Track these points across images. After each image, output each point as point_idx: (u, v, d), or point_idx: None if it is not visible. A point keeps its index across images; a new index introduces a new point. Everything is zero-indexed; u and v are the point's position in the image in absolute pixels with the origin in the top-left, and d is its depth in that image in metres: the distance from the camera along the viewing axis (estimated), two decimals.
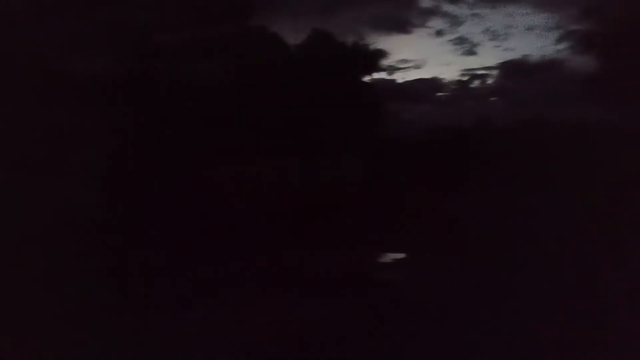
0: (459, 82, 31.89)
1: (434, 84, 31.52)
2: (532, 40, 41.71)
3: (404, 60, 33.72)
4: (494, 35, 34.69)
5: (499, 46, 36.19)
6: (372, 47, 25.28)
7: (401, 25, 34.16)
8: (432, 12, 36.43)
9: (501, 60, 35.43)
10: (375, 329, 7.76)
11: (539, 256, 11.43)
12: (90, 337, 7.16)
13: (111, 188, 13.93)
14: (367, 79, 25.19)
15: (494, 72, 33.37)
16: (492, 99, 30.52)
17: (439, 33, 33.72)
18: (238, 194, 16.30)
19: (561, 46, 23.52)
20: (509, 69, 30.30)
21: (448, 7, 40.95)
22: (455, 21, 36.80)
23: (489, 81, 31.00)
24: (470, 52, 33.36)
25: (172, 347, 7.06)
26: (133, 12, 17.80)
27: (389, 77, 30.44)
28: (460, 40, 34.57)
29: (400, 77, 37.52)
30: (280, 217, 15.33)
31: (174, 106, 17.47)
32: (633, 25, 21.70)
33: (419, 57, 43.55)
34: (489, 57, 42.11)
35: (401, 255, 13.19)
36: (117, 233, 12.26)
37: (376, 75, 27.02)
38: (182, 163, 16.49)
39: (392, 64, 35.89)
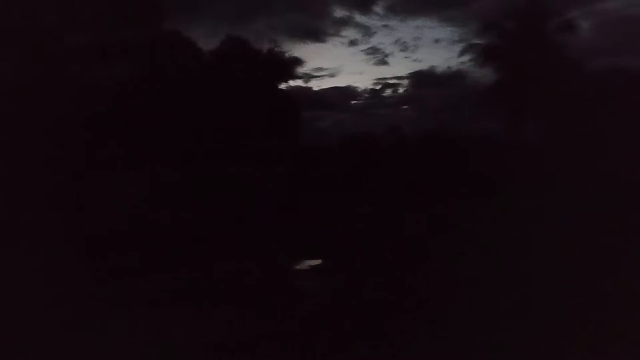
0: (372, 90, 33.16)
1: (348, 92, 32.58)
2: (438, 52, 44.37)
3: (319, 69, 34.54)
4: (404, 47, 36.43)
5: (408, 57, 38.16)
6: (287, 54, 25.45)
7: (316, 34, 34.89)
8: (345, 22, 37.53)
9: (411, 71, 37.34)
10: (294, 338, 7.77)
11: (454, 259, 12.00)
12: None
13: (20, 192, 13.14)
14: (282, 86, 25.35)
15: (405, 82, 35.04)
16: (404, 107, 32.01)
17: (352, 43, 34.85)
18: (150, 202, 15.79)
19: (464, 58, 25.10)
20: (419, 79, 31.98)
21: (360, 18, 42.38)
22: (368, 32, 38.26)
23: (400, 90, 32.50)
24: (382, 62, 34.75)
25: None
26: (45, 14, 16.98)
27: (304, 85, 30.95)
28: (373, 50, 35.98)
29: (315, 85, 38.22)
30: (193, 225, 15.01)
31: (85, 109, 16.67)
32: (529, 39, 23.59)
33: (334, 65, 44.69)
34: (399, 67, 44.22)
35: (317, 262, 13.31)
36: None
37: (292, 83, 27.28)
38: (89, 168, 15.77)
39: (307, 71, 36.52)
